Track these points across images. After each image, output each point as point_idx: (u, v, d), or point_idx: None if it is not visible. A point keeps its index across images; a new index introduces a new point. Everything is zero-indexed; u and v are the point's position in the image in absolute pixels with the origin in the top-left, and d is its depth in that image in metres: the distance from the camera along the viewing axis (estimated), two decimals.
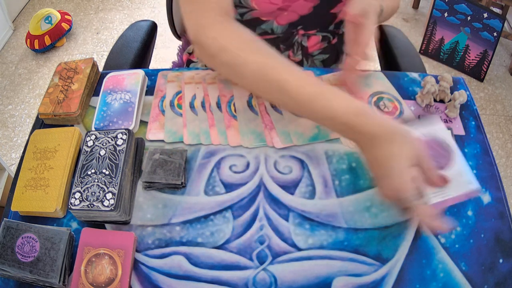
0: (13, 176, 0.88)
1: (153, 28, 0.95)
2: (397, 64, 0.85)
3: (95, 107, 0.68)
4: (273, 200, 0.59)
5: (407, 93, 0.70)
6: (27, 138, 0.66)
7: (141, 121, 0.67)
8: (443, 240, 0.56)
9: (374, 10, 0.61)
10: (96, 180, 0.56)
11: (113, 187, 0.55)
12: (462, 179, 0.53)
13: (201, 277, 0.53)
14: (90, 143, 0.59)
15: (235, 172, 0.61)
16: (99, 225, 0.57)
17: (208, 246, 0.55)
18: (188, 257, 0.54)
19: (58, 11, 2.03)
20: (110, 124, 0.65)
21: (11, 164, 1.61)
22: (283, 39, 0.76)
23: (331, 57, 0.83)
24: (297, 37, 0.77)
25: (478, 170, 0.62)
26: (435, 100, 0.69)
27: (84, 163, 0.58)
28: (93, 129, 0.64)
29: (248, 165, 0.62)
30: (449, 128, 0.65)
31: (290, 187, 0.60)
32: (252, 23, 0.71)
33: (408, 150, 0.49)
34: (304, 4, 0.69)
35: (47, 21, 1.95)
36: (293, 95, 0.53)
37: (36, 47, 1.96)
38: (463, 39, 1.89)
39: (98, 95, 0.69)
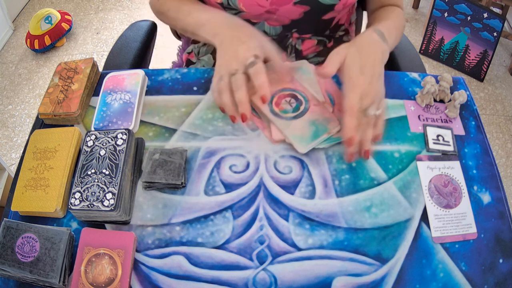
0: (13, 176, 0.88)
1: (153, 28, 0.95)
2: (397, 64, 0.85)
3: (95, 107, 0.68)
4: (273, 200, 0.59)
5: (407, 93, 0.70)
6: (27, 138, 0.66)
7: (141, 121, 0.67)
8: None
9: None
10: (96, 180, 0.56)
11: (113, 187, 0.55)
12: (464, 221, 0.57)
13: (201, 277, 0.53)
14: (90, 143, 0.59)
15: (235, 172, 0.61)
16: (99, 225, 0.57)
17: (208, 246, 0.55)
18: (188, 257, 0.54)
19: (58, 11, 2.03)
20: (110, 125, 0.65)
21: (11, 164, 1.61)
22: (277, 41, 0.76)
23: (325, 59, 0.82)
24: (291, 40, 0.76)
25: (478, 170, 0.62)
26: (435, 100, 0.69)
27: (84, 163, 0.58)
28: (92, 129, 0.65)
29: (248, 165, 0.62)
30: (449, 128, 0.65)
31: (290, 187, 0.60)
32: None
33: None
34: (293, 9, 0.69)
35: (47, 21, 1.95)
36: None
37: (36, 47, 1.96)
38: (463, 39, 1.89)
39: (98, 95, 0.69)
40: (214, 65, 0.83)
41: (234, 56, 0.59)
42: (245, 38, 0.60)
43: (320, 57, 0.81)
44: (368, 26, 0.76)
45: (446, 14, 1.89)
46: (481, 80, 1.91)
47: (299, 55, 0.79)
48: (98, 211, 0.54)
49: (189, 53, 0.90)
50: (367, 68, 0.57)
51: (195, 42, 0.88)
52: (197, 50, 0.87)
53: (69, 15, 2.09)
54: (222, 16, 0.66)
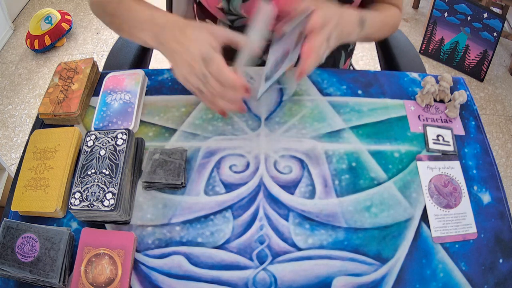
0: (13, 176, 0.88)
1: None
2: (397, 64, 0.85)
3: (95, 107, 0.68)
4: (273, 200, 0.59)
5: (407, 93, 0.70)
6: (27, 138, 0.66)
7: (141, 121, 0.67)
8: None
9: (332, 24, 0.57)
10: (96, 180, 0.56)
11: (113, 187, 0.55)
12: (464, 221, 0.57)
13: (201, 277, 0.53)
14: (90, 143, 0.59)
15: (235, 172, 0.61)
16: (99, 225, 0.57)
17: (208, 246, 0.55)
18: (188, 257, 0.54)
19: (58, 11, 2.03)
20: (110, 125, 0.65)
21: (11, 164, 1.61)
22: None
23: (326, 62, 0.82)
24: None
25: (478, 170, 0.62)
26: (435, 100, 0.69)
27: (84, 163, 0.58)
28: (92, 129, 0.65)
29: (248, 165, 0.62)
30: (449, 128, 0.65)
31: (290, 187, 0.60)
32: (243, 30, 0.71)
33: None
34: None
35: (47, 21, 1.96)
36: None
37: (36, 47, 1.96)
38: (463, 39, 1.89)
39: (98, 95, 0.69)
40: None
41: (190, 59, 0.55)
42: (190, 33, 0.56)
43: None
44: None
45: (446, 14, 1.89)
46: (481, 80, 1.91)
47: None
48: (98, 211, 0.54)
49: None
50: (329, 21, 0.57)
51: None
52: None
53: (69, 15, 2.09)
54: (163, 15, 0.60)
